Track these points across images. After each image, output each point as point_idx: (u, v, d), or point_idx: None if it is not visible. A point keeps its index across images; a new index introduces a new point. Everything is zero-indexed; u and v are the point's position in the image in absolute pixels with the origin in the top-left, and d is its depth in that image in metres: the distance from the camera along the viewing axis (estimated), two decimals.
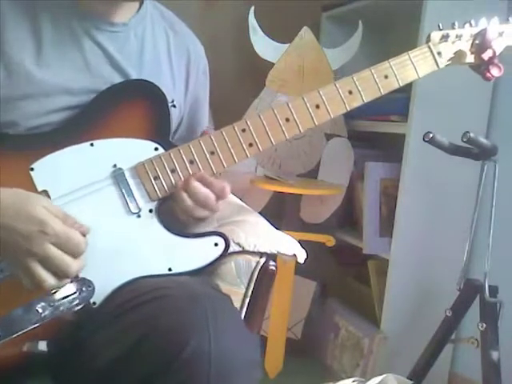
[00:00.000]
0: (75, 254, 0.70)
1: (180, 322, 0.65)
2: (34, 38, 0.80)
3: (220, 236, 0.82)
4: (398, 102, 1.63)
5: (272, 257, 0.93)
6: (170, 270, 0.80)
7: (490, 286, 1.31)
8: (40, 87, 0.79)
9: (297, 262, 0.96)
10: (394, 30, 1.92)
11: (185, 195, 0.80)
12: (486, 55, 0.89)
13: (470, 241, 1.40)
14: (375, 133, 1.78)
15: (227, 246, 0.82)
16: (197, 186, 0.80)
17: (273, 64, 1.78)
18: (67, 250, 0.69)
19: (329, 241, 1.76)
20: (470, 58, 0.91)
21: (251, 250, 0.91)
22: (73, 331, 0.75)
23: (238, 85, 1.92)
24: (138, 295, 0.72)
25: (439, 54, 0.89)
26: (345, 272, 2.03)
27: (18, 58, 0.78)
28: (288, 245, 0.96)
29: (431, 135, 1.30)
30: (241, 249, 0.90)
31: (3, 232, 0.67)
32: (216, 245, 0.81)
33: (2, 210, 0.67)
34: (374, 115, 1.77)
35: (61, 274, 0.69)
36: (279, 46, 1.79)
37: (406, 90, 1.58)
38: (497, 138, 1.62)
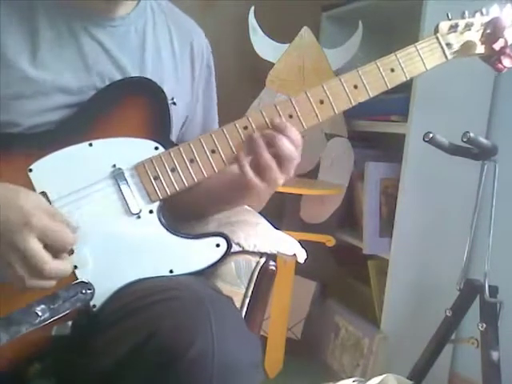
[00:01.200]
0: (62, 248, 0.69)
1: (184, 324, 0.65)
2: (31, 37, 0.79)
3: (222, 237, 0.81)
4: (398, 101, 1.63)
5: (272, 257, 0.93)
6: (171, 271, 0.79)
7: (490, 286, 1.31)
8: (37, 86, 0.78)
9: (297, 262, 0.96)
10: (394, 30, 1.92)
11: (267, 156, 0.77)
12: (498, 45, 0.85)
13: (470, 241, 1.40)
14: (375, 133, 1.78)
15: (229, 246, 0.80)
16: (284, 141, 0.77)
17: (273, 64, 1.78)
18: (52, 244, 0.68)
19: (329, 241, 1.76)
20: (481, 49, 0.87)
21: (251, 250, 0.91)
22: (76, 336, 0.75)
23: (238, 85, 1.92)
24: (142, 296, 0.72)
25: (448, 45, 0.85)
26: (345, 272, 2.03)
27: (15, 58, 0.77)
28: (288, 245, 0.96)
29: (431, 135, 1.30)
30: (241, 249, 0.90)
31: None
32: (218, 246, 0.80)
33: None
34: (374, 115, 1.77)
35: (36, 272, 0.66)
36: (279, 46, 1.79)
37: (406, 90, 1.59)
38: (497, 138, 1.62)
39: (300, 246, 0.98)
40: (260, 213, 1.06)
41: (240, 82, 1.94)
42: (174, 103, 0.88)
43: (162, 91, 0.82)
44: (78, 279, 0.75)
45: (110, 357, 0.69)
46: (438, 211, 1.66)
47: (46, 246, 0.67)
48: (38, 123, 0.79)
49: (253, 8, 1.77)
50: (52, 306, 0.73)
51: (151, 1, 0.93)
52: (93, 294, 0.75)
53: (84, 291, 0.75)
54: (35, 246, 0.66)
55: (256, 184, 0.79)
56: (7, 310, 0.71)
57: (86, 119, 0.80)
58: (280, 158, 0.78)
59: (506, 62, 0.87)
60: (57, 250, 0.69)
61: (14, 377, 0.74)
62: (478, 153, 1.34)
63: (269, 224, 1.01)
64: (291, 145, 0.78)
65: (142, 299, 0.71)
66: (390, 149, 1.79)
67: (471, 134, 1.27)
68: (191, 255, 0.80)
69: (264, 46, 1.79)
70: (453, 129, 1.35)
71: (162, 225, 0.79)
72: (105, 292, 0.76)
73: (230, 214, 1.00)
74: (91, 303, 0.76)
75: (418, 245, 1.65)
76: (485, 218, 1.38)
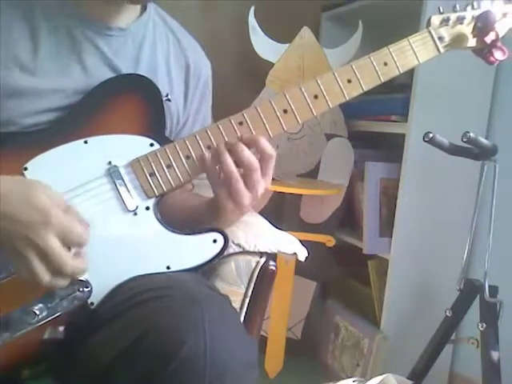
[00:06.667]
0: (79, 245, 0.69)
1: (177, 322, 0.65)
2: (31, 40, 0.80)
3: (219, 232, 0.80)
4: (398, 101, 1.63)
5: (272, 257, 0.93)
6: (168, 268, 0.78)
7: (489, 286, 1.31)
8: (35, 88, 0.78)
9: (297, 262, 0.96)
10: (394, 30, 1.91)
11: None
12: (489, 38, 0.85)
13: (470, 241, 1.40)
14: (375, 133, 1.78)
15: (226, 242, 0.80)
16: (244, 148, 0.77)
17: (273, 64, 1.78)
18: (69, 241, 0.68)
19: (329, 241, 1.76)
20: (472, 42, 0.87)
21: (251, 250, 0.91)
22: (73, 334, 0.75)
23: (237, 85, 1.92)
24: (136, 294, 0.72)
25: (440, 38, 0.85)
26: (345, 272, 2.03)
27: (13, 59, 0.78)
28: (288, 244, 0.96)
29: (431, 135, 1.30)
30: (241, 249, 0.90)
31: (4, 220, 0.65)
32: (215, 241, 0.79)
33: (4, 202, 0.66)
34: (374, 115, 1.77)
35: (56, 271, 0.67)
36: (279, 46, 1.79)
37: (406, 90, 1.59)
38: (497, 138, 1.62)
39: (300, 245, 0.98)
40: (260, 213, 1.06)
41: (240, 82, 1.94)
42: (169, 99, 0.88)
43: (156, 87, 0.82)
44: (76, 279, 0.75)
45: (106, 355, 0.69)
46: (438, 211, 1.66)
47: (63, 241, 0.68)
48: (33, 123, 0.79)
49: (253, 8, 1.77)
50: (49, 305, 0.73)
51: (155, 16, 0.93)
52: (90, 292, 0.75)
53: (81, 289, 0.75)
54: (56, 245, 0.66)
55: (223, 198, 0.79)
56: (4, 310, 0.72)
57: (81, 117, 0.80)
58: (242, 166, 0.78)
59: (497, 54, 0.87)
60: (73, 244, 0.69)
61: (8, 379, 0.74)
62: (478, 153, 1.34)
63: (269, 224, 1.01)
64: (251, 155, 0.78)
65: (137, 297, 0.71)
66: (390, 149, 1.78)
67: (471, 134, 1.27)
68: (188, 251, 0.79)
69: (264, 45, 1.79)
70: (453, 129, 1.35)
71: (159, 221, 0.79)
72: (102, 289, 0.76)
73: None
74: (89, 301, 0.76)
75: (418, 245, 1.65)
76: (485, 218, 1.38)
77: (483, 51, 0.89)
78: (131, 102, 0.82)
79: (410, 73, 1.58)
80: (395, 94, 1.68)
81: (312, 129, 1.81)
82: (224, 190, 0.79)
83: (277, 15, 1.90)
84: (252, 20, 1.78)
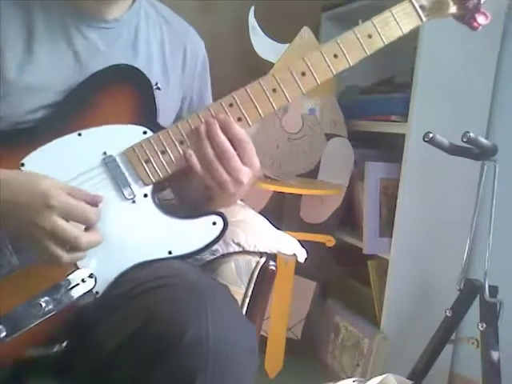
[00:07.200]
0: (85, 223, 0.71)
1: (180, 311, 0.66)
2: (26, 36, 0.80)
3: (217, 215, 0.81)
4: (398, 101, 1.64)
5: (272, 257, 0.93)
6: (170, 252, 0.79)
7: (489, 286, 1.31)
8: (29, 85, 0.79)
9: (297, 262, 0.96)
10: None
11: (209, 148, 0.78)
12: (471, 3, 0.85)
13: (470, 241, 1.40)
14: (375, 133, 1.78)
15: (225, 224, 0.81)
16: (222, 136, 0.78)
17: (273, 64, 1.78)
18: (75, 220, 0.70)
19: (329, 241, 1.76)
20: (453, 9, 0.87)
21: (251, 250, 0.91)
22: (78, 324, 0.75)
23: (237, 85, 1.91)
24: (139, 284, 0.73)
25: (421, 7, 0.85)
26: (345, 272, 2.03)
27: (7, 55, 0.78)
28: (288, 244, 0.96)
29: (431, 135, 1.30)
30: (241, 249, 0.91)
31: (9, 208, 0.68)
32: (214, 224, 0.80)
33: (5, 187, 0.68)
34: (373, 115, 1.77)
35: (71, 247, 0.69)
36: (279, 46, 1.79)
37: (406, 89, 1.59)
38: (497, 138, 1.62)
39: (300, 246, 0.98)
40: (260, 213, 1.06)
41: (240, 81, 1.93)
42: (159, 88, 0.88)
43: (145, 76, 0.83)
44: (78, 268, 0.76)
45: (109, 344, 0.70)
46: (438, 211, 1.66)
47: (69, 221, 0.70)
48: (29, 120, 0.80)
49: (253, 8, 1.77)
50: (55, 297, 0.73)
51: (146, 5, 0.94)
52: (95, 282, 0.76)
53: (86, 279, 0.75)
54: (62, 224, 0.68)
55: (207, 181, 0.80)
56: (8, 305, 0.72)
57: (73, 110, 0.81)
58: (218, 152, 0.79)
59: (480, 19, 0.87)
60: (82, 223, 0.71)
61: (9, 378, 0.74)
62: (478, 153, 1.34)
63: (269, 223, 1.01)
64: (226, 142, 0.79)
65: (139, 286, 0.72)
66: (390, 149, 1.78)
67: (471, 134, 1.27)
68: (189, 235, 0.80)
69: (264, 45, 1.79)
70: (453, 129, 1.35)
71: (158, 207, 0.80)
72: (107, 278, 0.77)
73: (230, 214, 1.00)
74: (94, 290, 0.76)
75: (418, 245, 1.65)
76: (485, 218, 1.38)
77: (465, 17, 0.88)
78: (122, 92, 0.82)
79: (410, 73, 1.58)
80: (395, 93, 1.68)
81: (312, 129, 1.81)
82: (208, 174, 0.80)
83: (277, 15, 1.90)
84: (252, 20, 1.78)
